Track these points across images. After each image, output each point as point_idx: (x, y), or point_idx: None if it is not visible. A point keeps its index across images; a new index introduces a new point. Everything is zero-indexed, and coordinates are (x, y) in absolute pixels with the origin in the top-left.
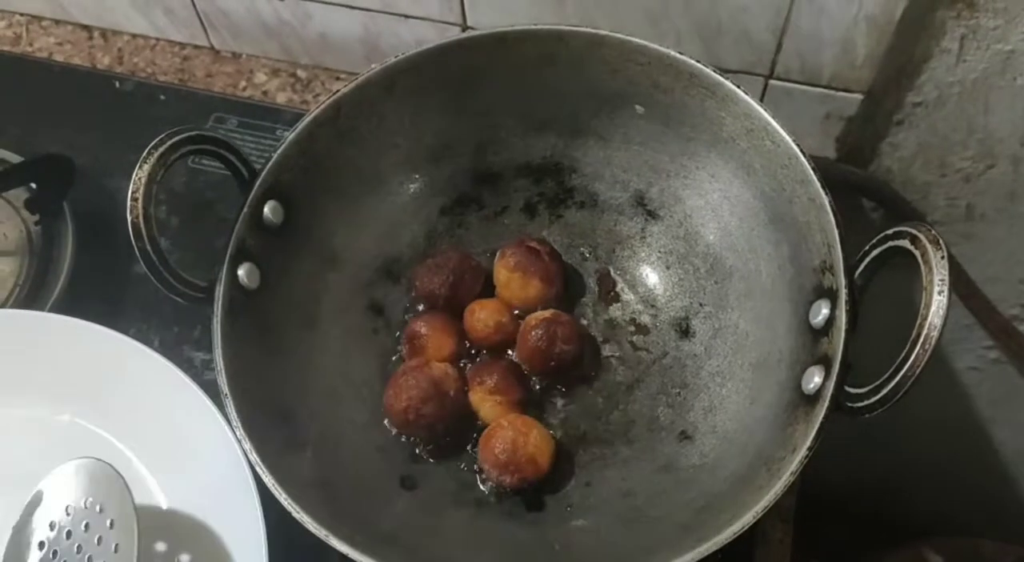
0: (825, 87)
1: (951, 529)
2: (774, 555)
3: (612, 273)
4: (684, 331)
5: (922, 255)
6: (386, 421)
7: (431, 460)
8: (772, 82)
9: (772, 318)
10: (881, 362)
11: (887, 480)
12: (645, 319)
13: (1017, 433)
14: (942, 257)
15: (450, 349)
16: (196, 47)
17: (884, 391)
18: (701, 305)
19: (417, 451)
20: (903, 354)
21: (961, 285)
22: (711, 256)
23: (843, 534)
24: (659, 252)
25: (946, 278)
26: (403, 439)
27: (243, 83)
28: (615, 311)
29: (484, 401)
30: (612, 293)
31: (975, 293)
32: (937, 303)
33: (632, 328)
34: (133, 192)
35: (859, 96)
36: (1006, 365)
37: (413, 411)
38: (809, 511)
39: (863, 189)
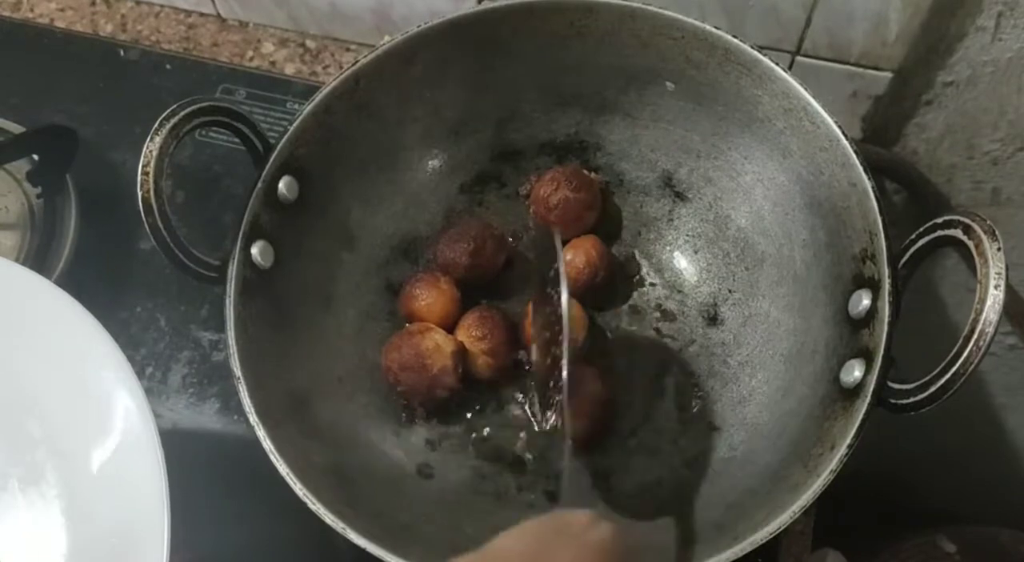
0: (854, 65)
1: (965, 518)
2: (795, 546)
3: (637, 257)
4: (712, 318)
5: (976, 246)
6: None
7: (407, 421)
8: (799, 58)
9: (806, 307)
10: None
11: (901, 468)
12: (671, 305)
13: None
14: (998, 249)
15: (441, 311)
16: (202, 15)
17: (934, 388)
18: (730, 292)
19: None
20: (955, 350)
21: None
22: (742, 241)
23: (858, 522)
24: (687, 235)
25: (1003, 272)
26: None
27: (250, 53)
28: (640, 296)
29: (476, 356)
30: (637, 277)
31: None
32: (993, 297)
33: (658, 314)
34: (144, 165)
35: (888, 74)
36: (1023, 351)
37: (392, 375)
38: (824, 499)
39: (888, 171)
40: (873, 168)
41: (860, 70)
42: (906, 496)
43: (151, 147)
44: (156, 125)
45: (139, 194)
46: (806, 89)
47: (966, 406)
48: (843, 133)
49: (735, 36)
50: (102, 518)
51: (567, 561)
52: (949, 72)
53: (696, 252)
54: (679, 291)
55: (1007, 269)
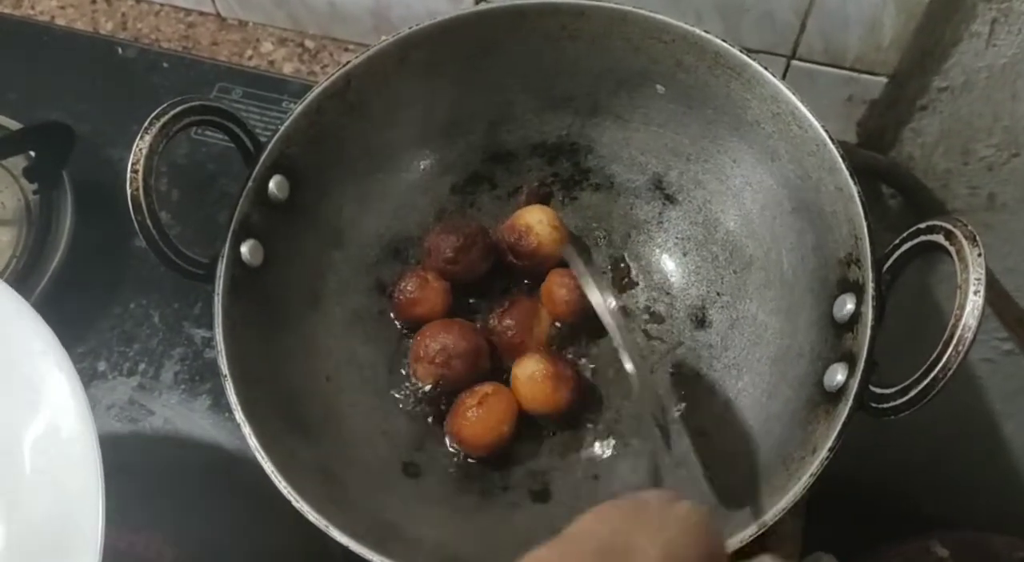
0: (849, 69)
1: (960, 523)
2: (786, 549)
3: (627, 259)
4: (700, 321)
5: (957, 252)
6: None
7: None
8: (794, 63)
9: (793, 311)
10: (892, 356)
11: (896, 472)
12: (660, 307)
13: None
14: (979, 254)
15: (443, 306)
16: (202, 14)
17: (913, 393)
18: (719, 294)
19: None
20: (935, 355)
21: None
22: (730, 244)
23: (851, 526)
24: (676, 238)
25: (983, 277)
26: (411, 422)
27: (249, 52)
28: (629, 298)
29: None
30: (626, 280)
31: (993, 284)
32: (972, 303)
33: (646, 316)
34: (133, 163)
35: (883, 79)
36: (1020, 357)
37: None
38: (818, 503)
39: (884, 175)
40: (869, 173)
41: (855, 75)
42: (900, 501)
43: (141, 145)
44: (146, 123)
45: (128, 191)
46: (794, 93)
47: (963, 412)
48: (830, 137)
49: (724, 40)
50: (37, 509)
51: (649, 540)
52: (944, 77)
53: (685, 255)
54: (668, 293)
55: (988, 274)
